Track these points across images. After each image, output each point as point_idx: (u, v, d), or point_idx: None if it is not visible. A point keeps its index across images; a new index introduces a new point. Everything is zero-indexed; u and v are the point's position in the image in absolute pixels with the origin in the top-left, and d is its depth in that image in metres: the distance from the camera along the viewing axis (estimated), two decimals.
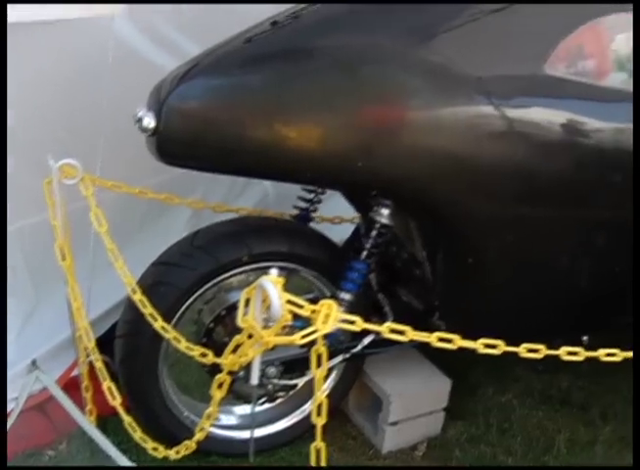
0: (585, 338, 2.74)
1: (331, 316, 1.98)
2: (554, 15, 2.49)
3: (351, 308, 2.53)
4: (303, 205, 2.94)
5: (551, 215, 2.57)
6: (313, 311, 1.99)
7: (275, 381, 2.69)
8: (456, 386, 3.01)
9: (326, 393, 2.78)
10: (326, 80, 2.32)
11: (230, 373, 2.31)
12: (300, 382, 2.73)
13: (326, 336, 2.08)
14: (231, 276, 2.59)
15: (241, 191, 3.51)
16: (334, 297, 2.58)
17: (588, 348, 2.44)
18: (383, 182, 2.39)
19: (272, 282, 1.92)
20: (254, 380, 2.22)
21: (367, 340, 2.69)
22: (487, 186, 2.44)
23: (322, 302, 2.00)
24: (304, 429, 2.78)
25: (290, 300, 1.96)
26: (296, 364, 2.66)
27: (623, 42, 2.78)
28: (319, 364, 2.05)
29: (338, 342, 2.65)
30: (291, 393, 2.82)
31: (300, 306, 1.98)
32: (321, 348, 2.03)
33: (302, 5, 2.51)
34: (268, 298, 1.92)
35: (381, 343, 2.62)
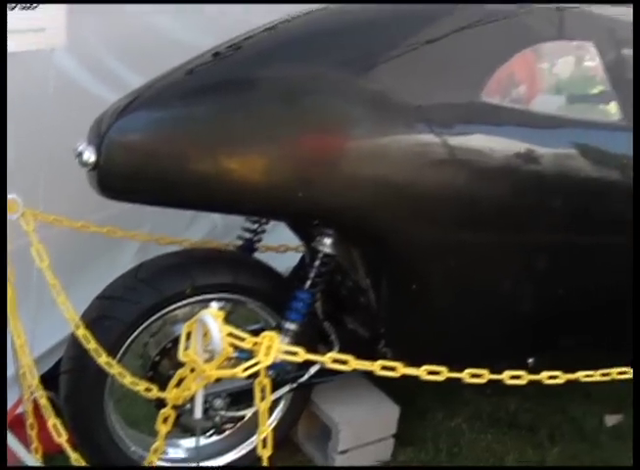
0: (531, 360, 2.77)
1: (273, 348, 1.98)
2: (490, 43, 2.54)
3: (296, 338, 2.54)
4: (247, 235, 2.94)
5: (492, 240, 2.60)
6: (255, 344, 1.99)
7: (222, 413, 2.67)
8: (405, 412, 3.02)
9: (274, 423, 2.77)
10: (267, 111, 2.34)
11: (175, 407, 2.29)
12: (248, 413, 2.72)
13: (270, 367, 2.08)
14: (176, 309, 2.57)
15: (189, 224, 3.50)
16: (279, 327, 2.59)
17: (533, 370, 2.47)
18: (324, 211, 2.41)
19: (212, 316, 1.92)
20: (198, 414, 2.20)
21: (314, 369, 2.69)
22: (429, 213, 2.47)
23: (263, 334, 2.00)
24: (253, 460, 2.75)
25: (231, 332, 1.96)
26: (242, 396, 2.65)
27: (560, 69, 2.85)
28: (263, 396, 2.05)
29: (284, 372, 2.65)
30: (239, 424, 2.81)
31: (242, 339, 1.97)
32: (264, 380, 2.03)
33: (244, 35, 2.53)
34: (209, 331, 1.92)
35: (328, 371, 2.60)
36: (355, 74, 2.41)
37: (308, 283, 2.60)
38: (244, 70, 2.42)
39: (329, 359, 2.13)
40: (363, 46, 2.47)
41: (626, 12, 2.80)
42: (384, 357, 2.42)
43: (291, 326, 2.58)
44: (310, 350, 2.21)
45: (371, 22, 2.57)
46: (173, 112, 2.36)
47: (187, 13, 3.17)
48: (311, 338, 2.67)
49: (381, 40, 2.49)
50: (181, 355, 2.03)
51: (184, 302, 2.56)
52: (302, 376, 2.71)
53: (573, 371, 2.45)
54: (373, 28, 2.53)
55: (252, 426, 2.76)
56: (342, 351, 2.64)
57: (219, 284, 2.58)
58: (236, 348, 2.00)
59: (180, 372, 2.13)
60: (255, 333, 2.08)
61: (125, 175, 2.31)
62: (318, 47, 2.47)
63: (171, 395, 2.18)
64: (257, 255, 2.96)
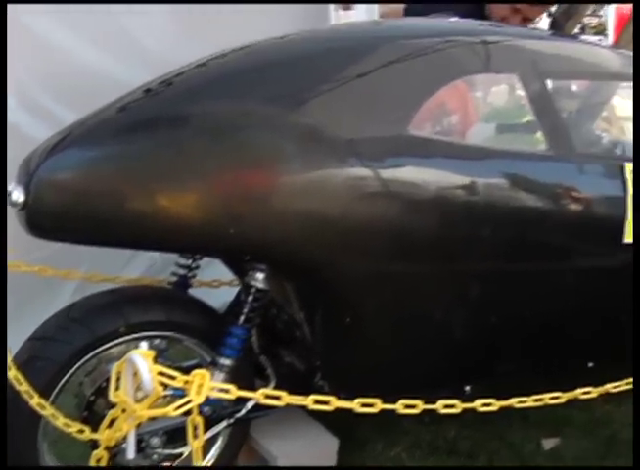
0: (468, 388, 2.79)
1: (204, 386, 1.98)
2: (416, 77, 2.58)
3: (232, 374, 2.52)
4: (181, 271, 2.93)
5: (425, 271, 2.62)
6: (186, 382, 1.99)
7: (159, 451, 2.63)
8: (344, 443, 3.02)
9: (212, 460, 2.75)
10: (197, 148, 2.34)
11: (109, 447, 2.27)
12: (186, 451, 2.68)
13: (205, 404, 2.08)
14: (110, 347, 2.54)
15: (127, 261, 3.49)
16: (214, 363, 2.58)
17: (470, 397, 2.49)
18: (255, 247, 2.40)
19: (141, 355, 1.92)
20: (131, 454, 2.19)
21: (250, 404, 2.65)
22: (361, 246, 2.48)
23: (194, 372, 2.00)
24: None
25: (161, 371, 1.96)
26: (179, 433, 2.60)
27: (486, 101, 2.92)
28: (196, 435, 2.05)
29: (220, 408, 2.63)
30: (177, 462, 2.78)
31: (173, 378, 1.98)
32: (197, 418, 2.03)
33: (175, 72, 2.55)
34: (138, 371, 1.92)
35: (265, 406, 2.60)
36: (286, 109, 2.43)
37: (242, 318, 2.59)
38: (174, 107, 2.43)
39: (261, 395, 2.15)
40: (293, 81, 2.50)
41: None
42: (321, 390, 2.43)
43: (225, 362, 2.56)
44: (246, 385, 2.21)
45: (301, 57, 2.61)
46: (105, 149, 2.35)
47: (124, 51, 3.20)
48: (247, 373, 2.66)
49: (311, 75, 2.52)
50: (112, 396, 2.03)
51: (118, 340, 2.53)
52: (239, 411, 2.67)
53: (509, 397, 2.49)
54: (303, 63, 2.56)
55: (192, 463, 2.75)
56: (278, 385, 2.66)
57: (153, 322, 2.55)
58: (167, 386, 2.00)
59: (112, 413, 2.13)
60: (191, 369, 2.08)
61: (55, 214, 2.29)
62: (248, 82, 2.49)
63: (104, 436, 2.17)
64: (194, 290, 2.96)
